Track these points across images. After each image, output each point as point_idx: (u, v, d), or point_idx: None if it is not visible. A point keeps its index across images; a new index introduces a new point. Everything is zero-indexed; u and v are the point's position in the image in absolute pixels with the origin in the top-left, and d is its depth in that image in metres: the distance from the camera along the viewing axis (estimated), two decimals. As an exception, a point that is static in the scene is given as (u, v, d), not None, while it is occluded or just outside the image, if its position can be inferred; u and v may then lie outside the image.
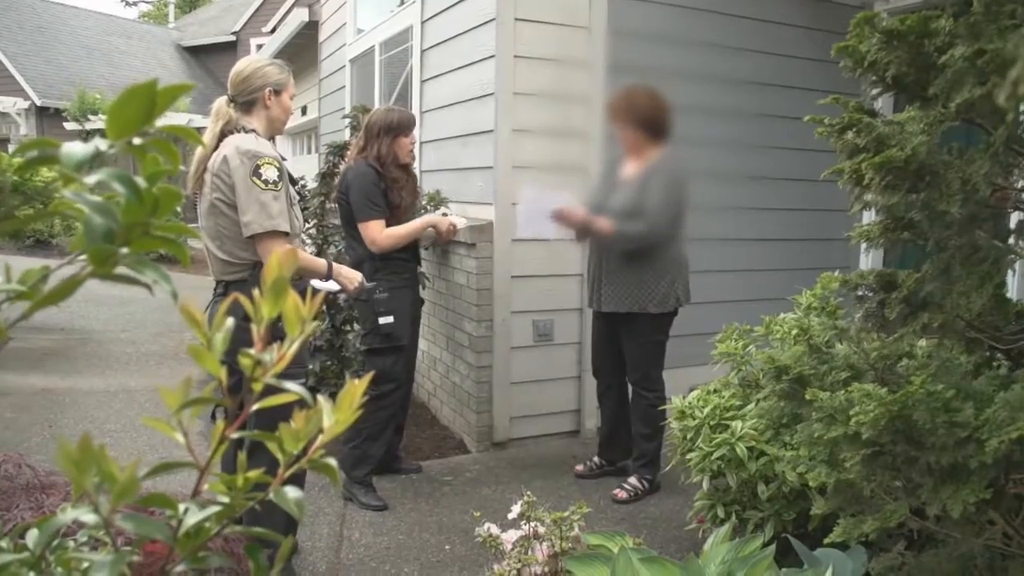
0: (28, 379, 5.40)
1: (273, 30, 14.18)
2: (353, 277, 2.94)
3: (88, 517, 0.62)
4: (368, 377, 0.73)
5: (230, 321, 0.68)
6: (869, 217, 2.04)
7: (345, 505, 3.55)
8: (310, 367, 4.88)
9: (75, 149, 0.60)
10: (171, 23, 28.84)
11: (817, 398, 1.46)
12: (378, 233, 3.52)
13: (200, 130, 2.84)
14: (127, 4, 40.13)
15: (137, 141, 0.63)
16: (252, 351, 0.66)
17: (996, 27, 1.13)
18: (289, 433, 0.67)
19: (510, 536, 2.31)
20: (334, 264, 2.85)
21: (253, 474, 0.69)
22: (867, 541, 2.08)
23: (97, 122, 15.26)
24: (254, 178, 2.50)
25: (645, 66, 4.26)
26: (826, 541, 1.67)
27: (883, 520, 1.40)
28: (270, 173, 2.52)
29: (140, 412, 4.75)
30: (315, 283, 2.77)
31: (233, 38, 23.47)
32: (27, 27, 20.38)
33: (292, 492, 0.67)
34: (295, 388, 0.67)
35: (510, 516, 2.31)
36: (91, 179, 0.58)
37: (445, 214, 4.42)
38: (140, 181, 0.67)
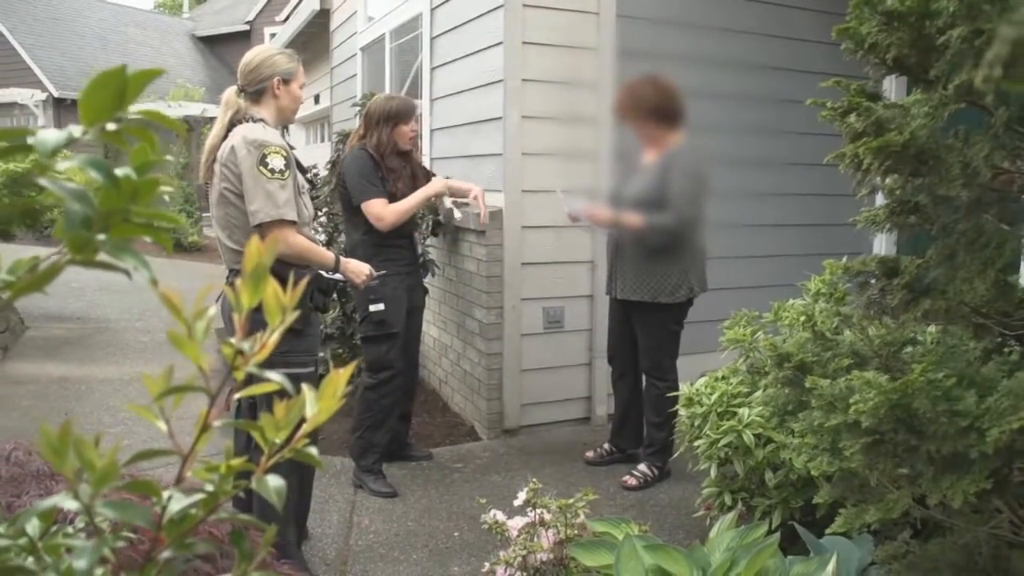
0: (45, 367, 5.45)
1: (287, 19, 14.17)
2: (360, 271, 2.92)
3: (70, 503, 0.63)
4: (351, 367, 0.73)
5: (213, 309, 0.68)
6: (882, 201, 2.02)
7: (355, 492, 3.57)
8: (320, 355, 4.90)
9: (48, 136, 0.60)
10: (185, 13, 28.92)
11: (817, 386, 1.45)
12: (383, 209, 3.49)
13: (213, 119, 2.85)
14: (142, -6, 40.27)
15: (111, 127, 0.63)
16: (233, 339, 0.66)
17: (994, 7, 1.11)
18: (270, 422, 0.67)
19: (516, 523, 2.32)
20: (342, 258, 2.84)
21: (236, 462, 0.69)
22: (873, 529, 2.07)
23: (112, 112, 15.31)
24: (261, 167, 2.50)
25: (654, 51, 4.22)
26: (828, 531, 1.66)
27: (885, 510, 1.39)
28: (276, 162, 2.52)
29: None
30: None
31: (247, 27, 23.50)
32: (43, 19, 20.49)
33: (273, 481, 0.67)
34: (275, 377, 0.66)
35: (515, 503, 2.31)
36: (62, 165, 0.58)
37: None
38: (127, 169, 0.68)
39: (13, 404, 4.62)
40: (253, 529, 0.77)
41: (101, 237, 0.62)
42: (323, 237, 4.86)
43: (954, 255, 1.44)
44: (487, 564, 2.31)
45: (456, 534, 3.16)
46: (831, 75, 1.79)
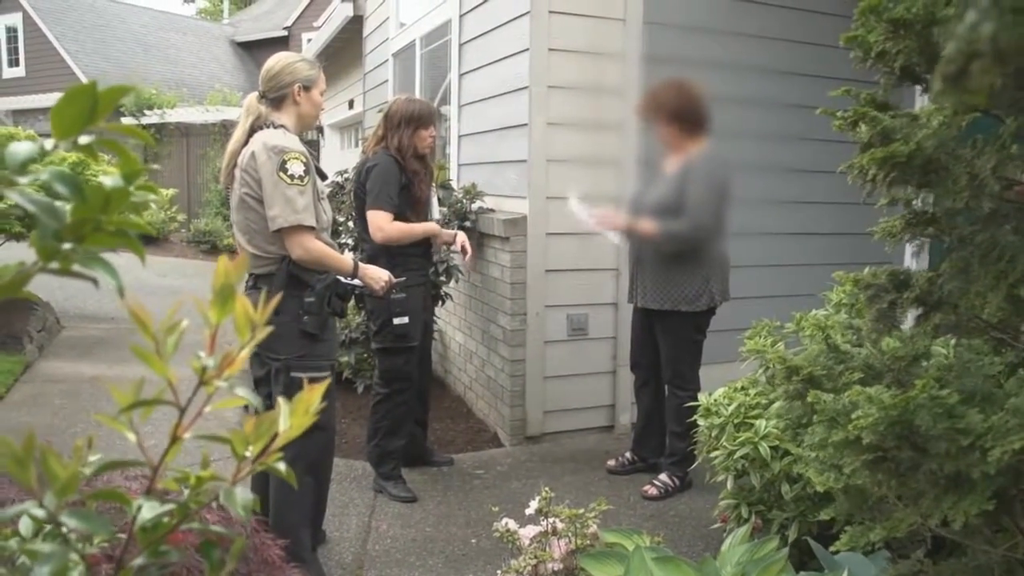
0: (78, 367, 5.56)
1: (323, 25, 14.31)
2: (379, 277, 2.89)
3: (36, 511, 0.64)
4: (324, 384, 0.73)
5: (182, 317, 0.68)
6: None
7: (375, 497, 3.58)
8: (345, 359, 4.94)
9: (19, 149, 0.61)
10: (225, 19, 29.38)
11: (819, 400, 1.42)
12: (387, 223, 3.46)
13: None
14: (185, 1, 41.11)
15: (84, 140, 0.64)
16: (202, 354, 0.66)
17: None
18: (239, 437, 0.67)
19: (529, 531, 2.31)
20: (360, 264, 2.84)
21: (206, 472, 0.69)
22: (891, 548, 2.03)
23: (152, 116, 15.60)
24: (280, 173, 2.53)
25: (681, 57, 4.20)
26: (831, 549, 1.63)
27: (890, 528, 1.36)
28: (296, 168, 2.54)
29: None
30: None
31: (285, 33, 23.78)
32: (88, 25, 20.94)
33: (241, 494, 0.68)
34: (244, 393, 0.67)
35: (527, 512, 2.31)
36: (24, 179, 0.59)
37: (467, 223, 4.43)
38: (110, 179, 0.69)
39: (46, 402, 4.72)
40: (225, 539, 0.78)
41: (68, 246, 0.63)
42: (350, 242, 4.89)
43: (968, 268, 1.40)
44: (499, 572, 2.31)
45: (473, 541, 3.15)
46: (858, 82, 1.75)
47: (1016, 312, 1.31)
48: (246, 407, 3.19)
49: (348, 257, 2.84)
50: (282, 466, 0.69)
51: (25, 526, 0.85)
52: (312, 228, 2.58)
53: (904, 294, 1.48)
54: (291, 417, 0.70)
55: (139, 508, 0.68)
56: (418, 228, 3.57)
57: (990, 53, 0.53)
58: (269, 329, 0.70)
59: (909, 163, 1.30)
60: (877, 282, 1.53)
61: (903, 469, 1.31)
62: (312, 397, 0.71)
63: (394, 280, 2.98)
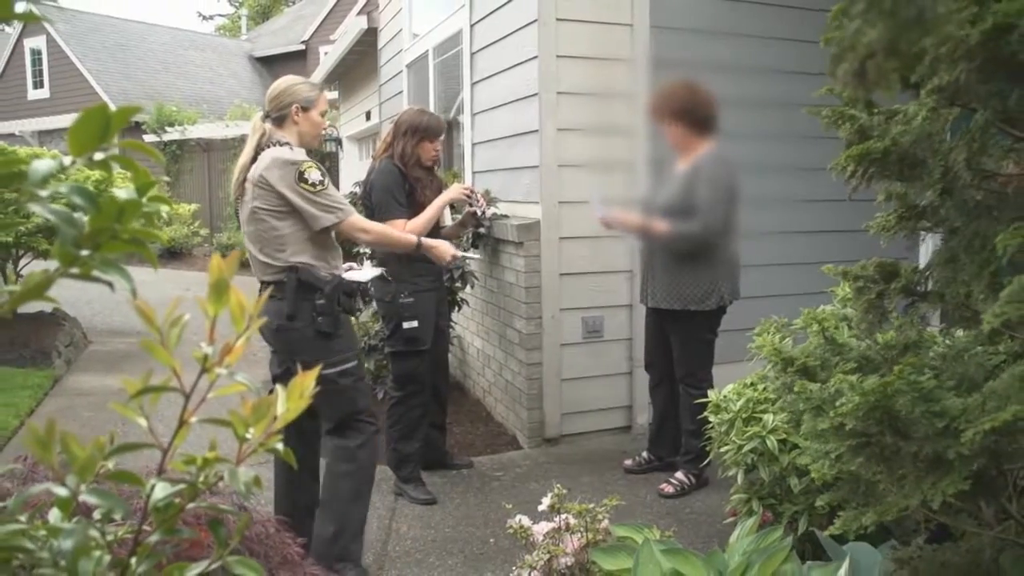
0: (105, 380, 5.69)
1: (339, 38, 14.48)
2: (445, 253, 3.15)
3: (59, 490, 0.70)
4: (315, 371, 0.79)
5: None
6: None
7: (396, 500, 3.65)
8: (366, 366, 5.02)
9: (41, 166, 0.68)
10: (243, 35, 29.74)
11: (804, 390, 1.47)
12: (402, 231, 3.56)
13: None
14: (204, 18, 41.85)
15: (99, 156, 0.71)
16: (204, 344, 0.73)
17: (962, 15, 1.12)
18: (238, 419, 0.74)
19: (542, 527, 2.37)
20: (424, 240, 3.02)
21: (211, 454, 0.76)
22: (893, 534, 2.06)
23: (173, 133, 15.85)
24: (302, 185, 2.65)
25: (689, 60, 4.24)
26: (825, 534, 1.66)
27: (880, 512, 1.40)
28: (314, 175, 2.67)
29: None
30: (351, 274, 2.87)
31: (303, 47, 24.03)
32: (110, 46, 21.32)
33: (244, 474, 0.74)
34: (241, 379, 0.73)
35: (539, 508, 2.36)
36: (44, 192, 0.66)
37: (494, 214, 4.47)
38: (124, 192, 0.76)
39: (74, 415, 4.84)
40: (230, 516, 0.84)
41: (84, 253, 0.70)
42: (367, 251, 4.96)
43: (955, 258, 1.44)
44: (514, 569, 2.36)
45: (492, 540, 3.21)
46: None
47: (997, 300, 1.34)
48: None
49: (410, 236, 3.10)
50: (279, 446, 0.76)
51: (55, 517, 0.92)
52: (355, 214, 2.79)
53: (891, 284, 1.52)
54: (288, 401, 0.77)
55: (152, 488, 0.74)
56: (429, 212, 3.62)
57: (881, 51, 0.58)
58: (263, 320, 0.76)
59: (885, 159, 1.35)
60: (865, 274, 1.57)
61: (887, 453, 1.35)
62: (307, 382, 0.77)
63: (458, 254, 3.20)
